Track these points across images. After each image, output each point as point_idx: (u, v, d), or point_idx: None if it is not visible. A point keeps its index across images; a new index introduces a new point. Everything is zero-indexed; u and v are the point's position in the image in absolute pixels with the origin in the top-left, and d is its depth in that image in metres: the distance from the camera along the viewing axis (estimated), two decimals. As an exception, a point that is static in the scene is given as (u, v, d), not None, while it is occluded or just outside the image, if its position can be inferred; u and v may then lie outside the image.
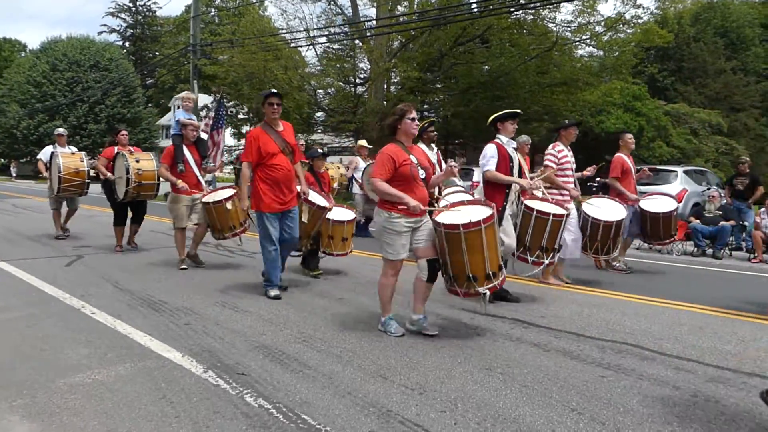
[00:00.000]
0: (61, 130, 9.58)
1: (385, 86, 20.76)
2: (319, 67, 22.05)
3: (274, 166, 5.22)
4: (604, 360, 3.75)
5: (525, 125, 22.01)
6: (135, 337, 4.02)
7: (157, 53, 52.45)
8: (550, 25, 18.93)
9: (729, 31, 35.28)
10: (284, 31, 21.34)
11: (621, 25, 18.24)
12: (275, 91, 5.42)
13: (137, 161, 7.42)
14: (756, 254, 9.17)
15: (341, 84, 21.57)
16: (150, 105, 50.87)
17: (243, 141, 33.57)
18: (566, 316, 4.91)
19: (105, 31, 58.62)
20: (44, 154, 9.41)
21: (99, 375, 3.29)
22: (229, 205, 6.51)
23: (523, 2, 17.12)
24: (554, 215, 5.23)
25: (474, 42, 19.31)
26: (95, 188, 9.30)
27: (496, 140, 5.38)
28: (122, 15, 58.75)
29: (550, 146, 6.58)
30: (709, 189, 11.93)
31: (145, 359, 3.57)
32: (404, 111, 4.21)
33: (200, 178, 6.84)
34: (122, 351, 3.72)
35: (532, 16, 18.70)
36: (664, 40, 19.62)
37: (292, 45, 20.92)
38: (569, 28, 18.71)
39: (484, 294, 4.13)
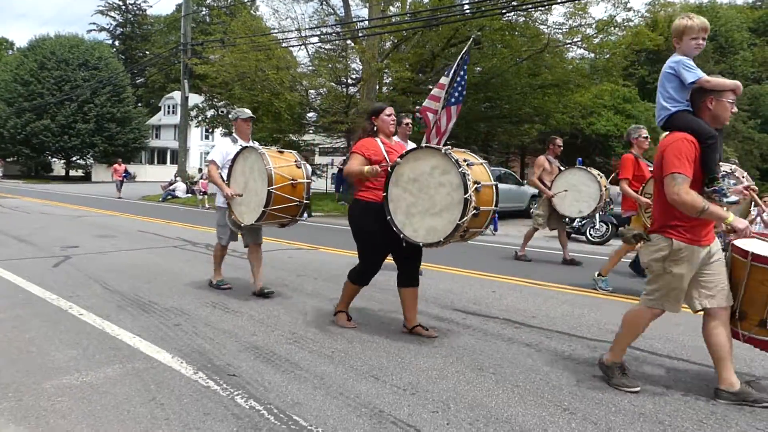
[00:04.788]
0: (247, 111, 5.59)
1: (377, 87, 20.75)
2: (310, 67, 22.02)
3: None
4: (595, 360, 3.75)
5: (516, 127, 22.15)
6: (124, 338, 3.98)
7: (147, 52, 52.20)
8: (542, 27, 19.04)
9: (718, 35, 35.63)
10: (276, 31, 21.29)
11: (612, 28, 18.37)
12: None
13: (468, 164, 3.81)
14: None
15: (333, 84, 21.55)
16: (140, 104, 50.63)
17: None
18: (558, 316, 4.91)
19: (94, 30, 58.37)
20: (219, 154, 5.38)
21: (87, 377, 3.24)
22: None
23: (515, 4, 17.18)
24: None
25: (466, 43, 19.35)
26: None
27: None
28: (112, 13, 58.44)
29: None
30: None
31: (134, 360, 3.53)
32: None
33: None
34: (111, 352, 3.67)
35: (524, 18, 18.79)
36: (654, 43, 19.76)
37: (284, 45, 20.87)
38: (561, 31, 18.83)
39: None
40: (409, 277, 4.26)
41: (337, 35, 21.81)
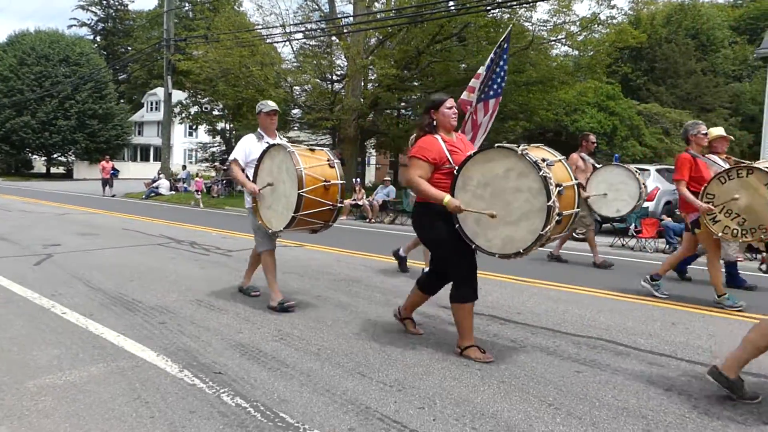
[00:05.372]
0: (270, 104, 5.04)
1: (362, 83, 20.72)
2: (295, 64, 21.93)
3: None
4: (579, 355, 3.79)
5: (501, 123, 22.24)
6: (108, 336, 3.94)
7: (129, 48, 51.50)
8: (526, 24, 19.13)
9: (699, 32, 36.10)
10: (260, 27, 21.16)
11: (596, 25, 18.52)
12: None
13: (548, 164, 3.38)
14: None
15: (318, 81, 21.47)
16: (122, 101, 49.93)
17: (218, 138, 33.31)
18: (542, 313, 4.95)
19: (75, 25, 57.38)
20: (241, 152, 4.88)
21: (70, 376, 3.21)
22: None
23: (500, 1, 17.25)
24: None
25: (451, 40, 19.39)
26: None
27: None
28: (93, 8, 57.51)
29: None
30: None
31: (119, 359, 3.50)
32: None
33: None
34: (94, 351, 3.63)
35: (508, 15, 18.86)
36: (638, 41, 19.96)
37: (269, 41, 20.75)
38: (545, 28, 18.93)
39: None
40: (436, 284, 3.99)
41: (321, 31, 21.74)
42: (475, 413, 2.84)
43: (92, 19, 57.86)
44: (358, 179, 17.68)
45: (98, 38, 57.53)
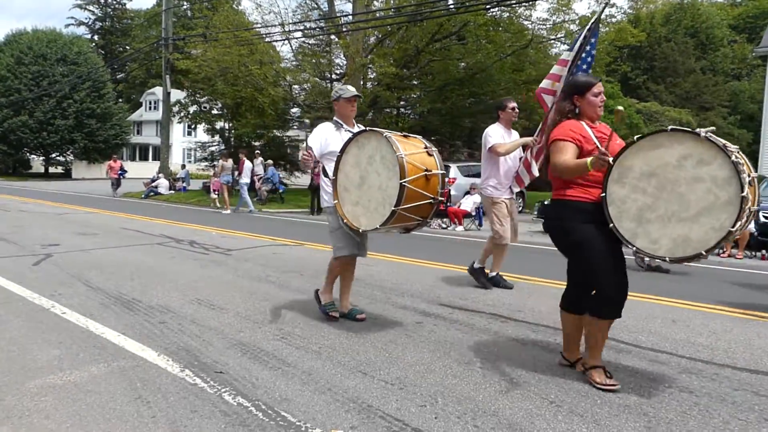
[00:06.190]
0: (351, 89, 4.54)
1: (362, 82, 20.70)
2: (294, 63, 21.92)
3: None
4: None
5: (500, 122, 22.25)
6: (108, 336, 3.93)
7: (127, 47, 51.45)
8: (526, 22, 19.17)
9: (699, 31, 36.14)
10: (259, 26, 21.14)
11: (594, 24, 18.54)
12: None
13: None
14: (724, 250, 9.39)
15: (317, 79, 21.46)
16: (120, 100, 49.88)
17: (217, 137, 33.22)
18: (543, 310, 4.95)
19: (73, 24, 57.30)
20: (317, 141, 4.29)
21: (71, 376, 3.20)
22: None
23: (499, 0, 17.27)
24: None
25: (450, 38, 19.42)
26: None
27: None
28: (90, 7, 57.46)
29: None
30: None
31: (120, 359, 3.49)
32: None
33: None
34: (95, 351, 3.63)
35: (508, 14, 18.88)
36: (637, 39, 19.99)
37: (267, 40, 20.73)
38: (544, 26, 18.96)
39: None
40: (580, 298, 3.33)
41: (320, 30, 21.73)
42: (477, 411, 2.84)
43: (90, 18, 57.87)
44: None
45: (96, 37, 57.47)
